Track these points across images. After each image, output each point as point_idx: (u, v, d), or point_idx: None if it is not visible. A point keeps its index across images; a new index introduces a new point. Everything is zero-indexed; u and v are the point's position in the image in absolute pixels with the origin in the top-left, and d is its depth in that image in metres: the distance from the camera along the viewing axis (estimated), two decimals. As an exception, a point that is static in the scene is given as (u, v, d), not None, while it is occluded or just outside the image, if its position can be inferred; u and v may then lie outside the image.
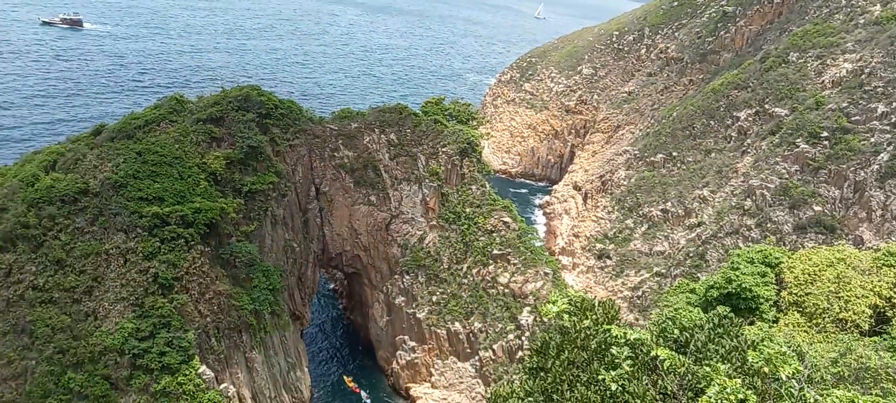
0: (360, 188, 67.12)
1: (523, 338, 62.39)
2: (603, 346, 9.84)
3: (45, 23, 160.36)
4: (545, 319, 10.58)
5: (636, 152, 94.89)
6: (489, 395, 9.56)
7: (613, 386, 9.11)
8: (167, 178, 53.78)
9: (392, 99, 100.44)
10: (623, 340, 10.14)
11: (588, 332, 9.72)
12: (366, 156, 67.53)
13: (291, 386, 62.35)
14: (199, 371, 48.96)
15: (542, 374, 9.12)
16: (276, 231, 62.20)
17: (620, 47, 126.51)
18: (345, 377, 69.17)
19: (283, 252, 62.91)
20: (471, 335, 64.82)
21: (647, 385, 8.60)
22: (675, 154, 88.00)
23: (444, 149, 68.82)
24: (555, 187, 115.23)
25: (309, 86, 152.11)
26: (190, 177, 55.04)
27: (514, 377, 54.42)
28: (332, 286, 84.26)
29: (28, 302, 45.71)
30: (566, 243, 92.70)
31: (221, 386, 50.68)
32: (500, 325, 63.72)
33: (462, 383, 64.82)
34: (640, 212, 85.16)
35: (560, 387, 8.78)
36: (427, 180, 67.81)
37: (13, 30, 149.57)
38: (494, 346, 63.37)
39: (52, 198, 49.21)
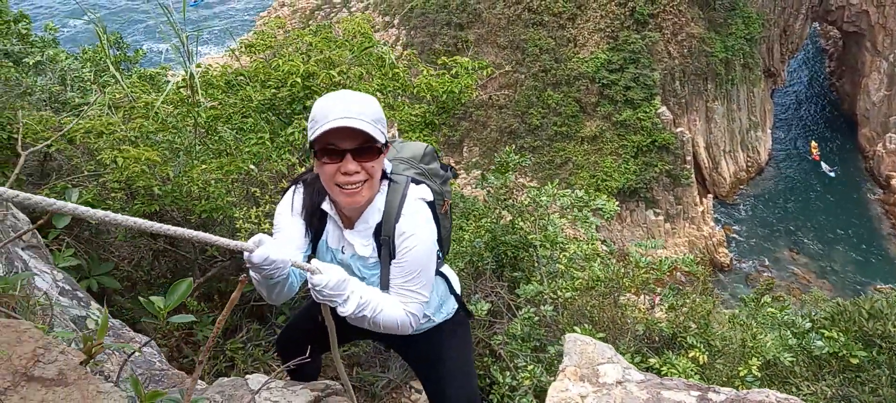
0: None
1: None
2: None
3: None
4: None
5: None
6: None
7: None
8: None
9: None
10: None
11: None
12: None
13: (749, 145, 59.19)
14: (659, 110, 49.93)
15: None
16: (768, -29, 54.36)
17: None
18: (812, 143, 61.53)
19: (771, -3, 55.38)
20: None
21: None
22: None
23: None
24: None
25: None
26: None
27: None
28: (821, 43, 72.15)
29: (523, 22, 52.05)
30: None
31: (677, 130, 51.05)
32: None
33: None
34: None
35: None
36: None
37: None
38: None
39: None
